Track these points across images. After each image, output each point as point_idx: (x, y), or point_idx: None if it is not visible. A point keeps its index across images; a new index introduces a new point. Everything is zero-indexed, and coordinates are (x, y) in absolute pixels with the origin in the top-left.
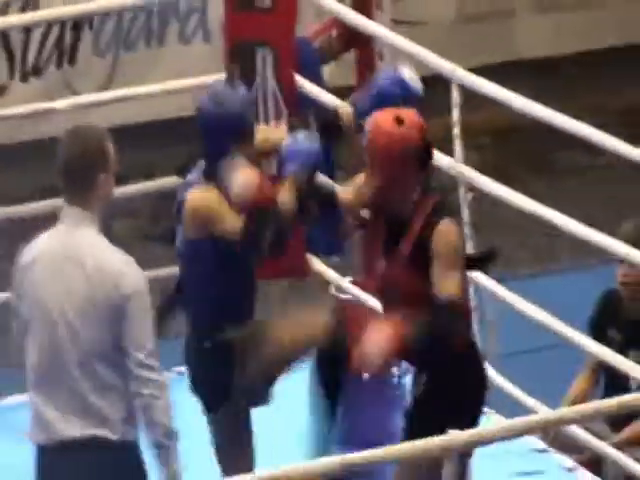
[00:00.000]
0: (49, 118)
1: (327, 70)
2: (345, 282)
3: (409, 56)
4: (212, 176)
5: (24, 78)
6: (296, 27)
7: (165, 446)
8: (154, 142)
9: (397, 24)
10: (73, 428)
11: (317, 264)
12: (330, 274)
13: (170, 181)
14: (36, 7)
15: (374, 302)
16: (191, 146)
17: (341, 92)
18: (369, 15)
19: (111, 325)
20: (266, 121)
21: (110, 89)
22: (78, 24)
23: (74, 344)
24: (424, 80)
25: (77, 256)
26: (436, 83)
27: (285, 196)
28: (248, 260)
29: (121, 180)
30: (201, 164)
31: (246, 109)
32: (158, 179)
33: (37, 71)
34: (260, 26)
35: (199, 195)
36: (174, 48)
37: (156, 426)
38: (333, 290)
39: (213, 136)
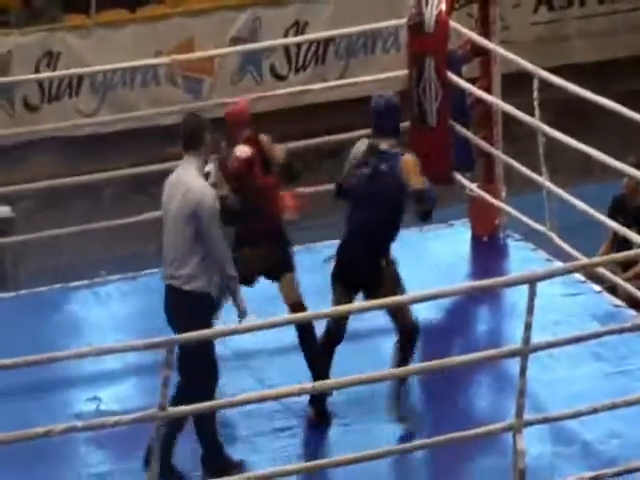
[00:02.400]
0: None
1: (464, 68)
2: (474, 186)
3: (508, 60)
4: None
5: (297, 71)
6: (447, 43)
7: (229, 285)
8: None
9: (501, 43)
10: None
11: (457, 176)
12: (465, 182)
13: None
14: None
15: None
16: None
17: (472, 80)
18: (488, 37)
19: (192, 221)
20: (429, 98)
21: (344, 78)
22: (327, 42)
23: (174, 231)
24: (514, 75)
25: (180, 183)
26: (523, 77)
27: None
28: None
29: None
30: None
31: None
32: None
33: (304, 67)
34: (427, 43)
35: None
36: (379, 55)
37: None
38: (467, 191)
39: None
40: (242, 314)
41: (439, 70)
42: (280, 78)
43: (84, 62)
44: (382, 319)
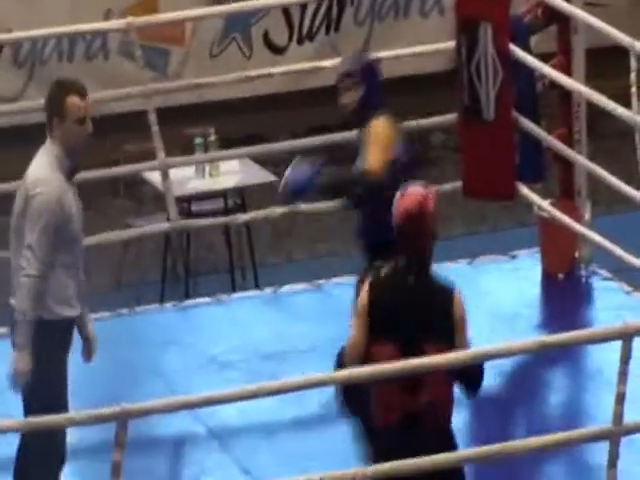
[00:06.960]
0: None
1: (534, 40)
2: (546, 204)
3: (596, 30)
4: None
5: (300, 42)
6: (510, 6)
7: (18, 320)
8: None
9: (586, 5)
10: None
11: (523, 189)
12: (534, 197)
13: None
14: None
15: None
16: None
17: (545, 57)
18: None
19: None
20: (485, 80)
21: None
22: (343, 1)
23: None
24: (604, 50)
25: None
26: (614, 52)
27: None
28: None
29: None
30: None
31: None
32: None
33: (310, 36)
34: (483, 5)
35: None
36: (416, 20)
37: (18, 302)
38: (536, 210)
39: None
40: (18, 370)
41: (499, 42)
42: (277, 50)
43: (4, 25)
44: None
